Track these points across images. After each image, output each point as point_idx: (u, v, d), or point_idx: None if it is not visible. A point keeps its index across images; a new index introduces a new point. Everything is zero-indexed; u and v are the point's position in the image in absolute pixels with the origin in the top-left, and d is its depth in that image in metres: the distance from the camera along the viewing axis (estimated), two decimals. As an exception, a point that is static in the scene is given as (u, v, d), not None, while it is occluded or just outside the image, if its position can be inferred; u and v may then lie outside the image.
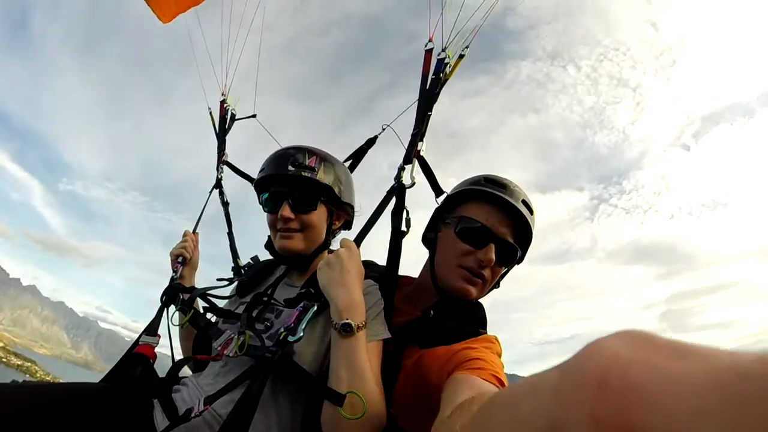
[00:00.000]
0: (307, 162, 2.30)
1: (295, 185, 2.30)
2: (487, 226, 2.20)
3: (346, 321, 1.88)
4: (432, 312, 2.26)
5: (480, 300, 2.34)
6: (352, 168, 2.97)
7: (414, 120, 2.69)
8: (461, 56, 2.79)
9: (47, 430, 1.81)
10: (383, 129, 2.88)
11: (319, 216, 2.34)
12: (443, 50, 2.75)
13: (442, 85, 2.74)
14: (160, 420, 2.05)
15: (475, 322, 2.25)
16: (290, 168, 2.27)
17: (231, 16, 3.88)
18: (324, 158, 2.37)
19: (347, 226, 2.58)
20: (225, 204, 3.37)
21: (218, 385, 2.04)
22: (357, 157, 3.02)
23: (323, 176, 2.30)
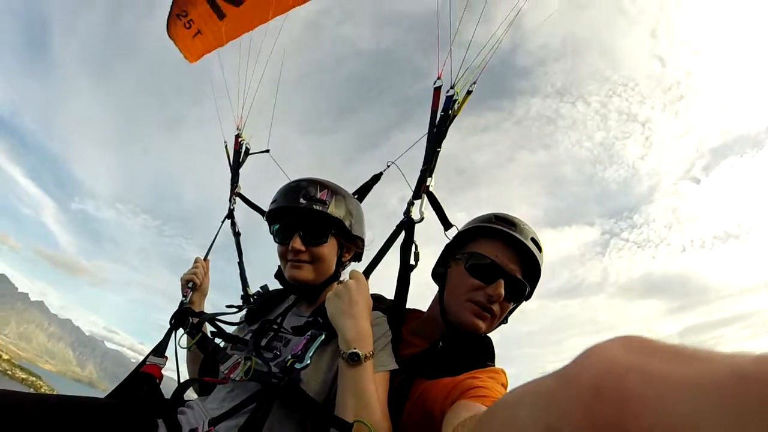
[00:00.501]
0: (318, 195, 2.34)
1: (306, 218, 2.36)
2: (497, 263, 2.27)
3: (354, 351, 1.91)
4: (441, 344, 2.31)
5: (489, 335, 2.41)
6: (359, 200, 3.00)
7: (422, 155, 2.77)
8: (469, 92, 2.89)
9: None
10: (388, 166, 2.95)
11: (329, 249, 2.39)
12: (452, 87, 2.84)
13: (451, 122, 2.81)
14: None
15: (483, 356, 2.29)
16: (302, 201, 2.32)
17: (249, 53, 4.07)
18: (335, 191, 2.42)
19: (357, 258, 2.62)
20: (236, 234, 3.48)
21: (223, 408, 2.09)
22: (363, 192, 3.03)
23: (334, 210, 2.35)
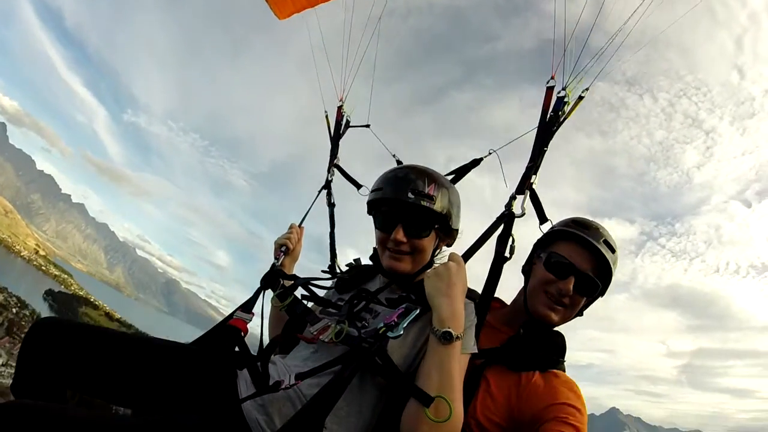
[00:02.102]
0: (426, 190, 2.35)
1: (413, 211, 2.39)
2: (570, 261, 2.61)
3: (448, 330, 2.00)
4: (521, 331, 2.64)
5: (563, 333, 2.74)
6: (454, 182, 3.11)
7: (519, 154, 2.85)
8: (581, 98, 2.89)
9: (145, 376, 2.16)
10: (489, 153, 3.10)
11: (429, 241, 2.46)
12: (563, 89, 2.86)
13: (560, 124, 2.88)
14: (244, 388, 2.22)
15: (556, 350, 2.62)
16: (410, 195, 2.34)
17: (352, 16, 3.99)
18: (441, 184, 2.44)
19: (449, 245, 2.69)
20: (331, 205, 3.65)
21: (307, 367, 2.18)
22: (459, 174, 3.18)
23: (440, 205, 2.38)
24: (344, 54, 3.85)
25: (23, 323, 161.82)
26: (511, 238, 2.65)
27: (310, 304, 2.62)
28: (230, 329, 2.52)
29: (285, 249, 3.04)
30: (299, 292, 2.70)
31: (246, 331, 2.54)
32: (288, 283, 2.74)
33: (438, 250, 2.59)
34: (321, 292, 2.78)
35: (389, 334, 2.04)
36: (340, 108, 3.94)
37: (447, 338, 1.98)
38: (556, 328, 2.72)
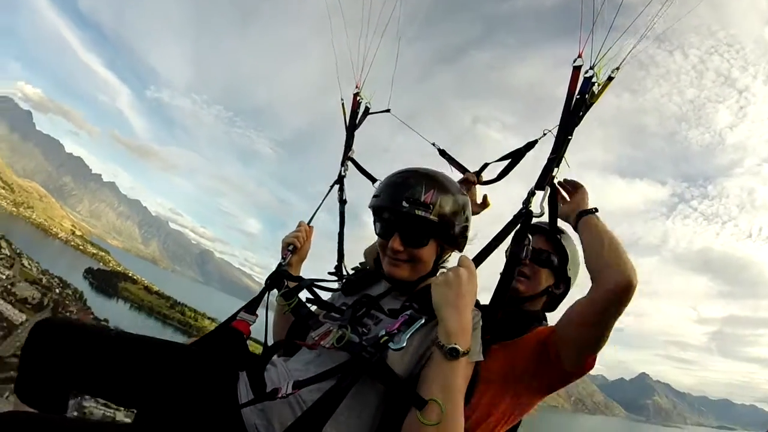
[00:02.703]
0: (423, 198, 2.20)
1: (408, 220, 2.24)
2: (533, 246, 2.74)
3: (454, 346, 1.88)
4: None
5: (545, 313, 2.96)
6: (508, 169, 3.08)
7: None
8: (610, 79, 2.59)
9: (143, 375, 2.14)
10: (544, 134, 2.81)
11: (428, 251, 2.31)
12: (591, 68, 2.57)
13: (587, 109, 2.59)
14: (244, 392, 2.16)
15: (534, 316, 2.87)
16: (404, 205, 2.19)
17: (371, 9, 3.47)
18: (443, 191, 2.26)
19: (460, 250, 2.50)
20: (342, 202, 3.39)
21: (308, 372, 2.10)
22: (515, 159, 3.07)
23: (438, 214, 2.21)
24: (362, 31, 3.45)
25: (67, 302, 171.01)
26: (527, 239, 2.45)
27: (314, 307, 2.58)
28: (232, 332, 2.50)
29: (292, 248, 2.92)
30: (304, 294, 2.63)
31: (248, 333, 2.53)
32: (293, 284, 2.68)
33: (447, 256, 2.45)
34: (326, 294, 2.73)
35: (391, 345, 1.95)
36: (356, 95, 3.65)
37: (453, 355, 1.88)
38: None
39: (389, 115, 3.61)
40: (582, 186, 2.84)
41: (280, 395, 1.96)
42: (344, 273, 3.08)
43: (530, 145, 2.98)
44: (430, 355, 2.02)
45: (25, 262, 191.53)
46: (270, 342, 2.58)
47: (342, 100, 3.63)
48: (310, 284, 2.66)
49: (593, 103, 2.60)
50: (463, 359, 1.91)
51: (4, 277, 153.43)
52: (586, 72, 2.57)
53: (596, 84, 2.59)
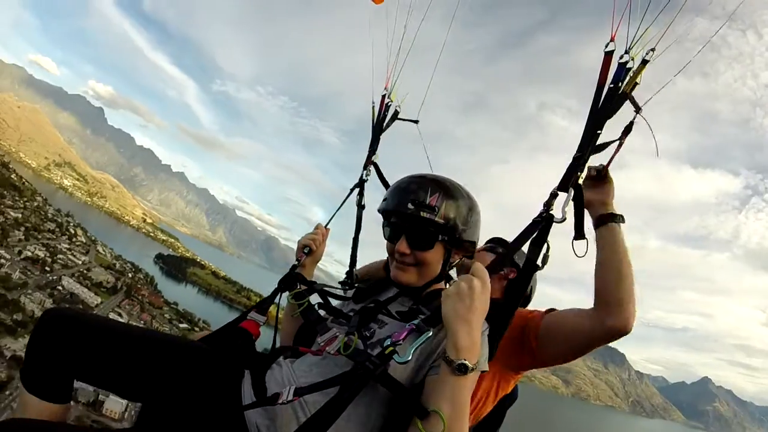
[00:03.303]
0: (428, 200, 2.21)
1: (414, 222, 2.26)
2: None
3: (463, 362, 1.82)
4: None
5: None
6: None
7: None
8: (645, 62, 2.26)
9: (150, 371, 2.17)
10: (637, 112, 2.35)
11: (434, 254, 2.29)
12: (626, 52, 2.27)
13: (621, 100, 2.29)
14: (247, 391, 2.17)
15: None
16: (410, 207, 2.22)
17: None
18: (448, 195, 2.26)
19: (468, 257, 2.46)
20: (360, 206, 3.30)
21: (311, 376, 2.10)
22: (622, 139, 2.51)
23: (444, 217, 2.21)
24: (394, 26, 3.21)
25: (139, 286, 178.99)
26: (545, 245, 2.27)
27: (323, 312, 2.56)
28: (241, 332, 2.51)
29: (308, 251, 2.91)
30: (315, 298, 2.62)
31: (257, 334, 2.53)
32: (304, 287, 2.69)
33: (454, 261, 2.41)
34: (336, 299, 2.70)
35: (395, 357, 1.91)
36: (384, 97, 3.42)
37: (462, 371, 1.82)
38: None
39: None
40: (611, 179, 2.59)
41: (280, 401, 1.96)
42: (355, 279, 2.97)
43: (627, 130, 2.43)
44: (434, 365, 2.00)
45: (100, 249, 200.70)
46: (278, 343, 2.59)
47: (373, 102, 3.45)
48: (321, 289, 2.65)
49: (626, 94, 2.30)
50: (470, 376, 1.87)
51: (80, 262, 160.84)
52: (621, 57, 2.30)
53: (631, 70, 2.30)
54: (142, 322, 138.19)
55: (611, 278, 2.37)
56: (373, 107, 3.43)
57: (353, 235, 3.20)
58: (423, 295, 2.33)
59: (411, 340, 1.95)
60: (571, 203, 2.28)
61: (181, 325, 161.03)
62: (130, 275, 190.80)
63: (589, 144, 2.28)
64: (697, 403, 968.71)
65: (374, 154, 3.35)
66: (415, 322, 2.02)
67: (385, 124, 3.40)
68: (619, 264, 2.38)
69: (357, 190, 3.29)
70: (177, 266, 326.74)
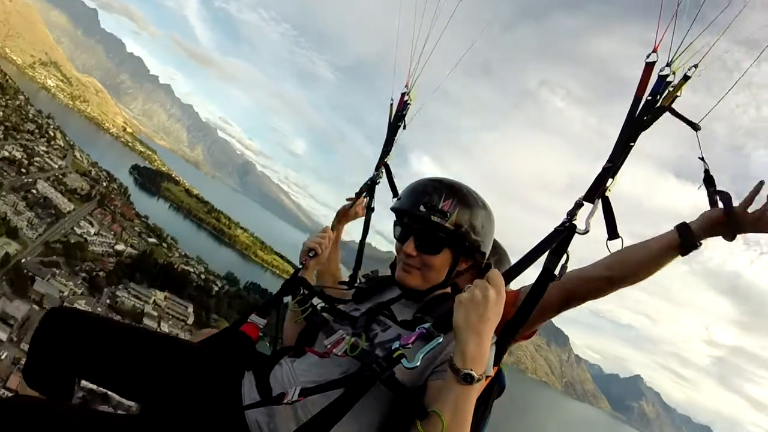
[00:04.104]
0: (440, 205, 2.21)
1: (424, 225, 2.26)
2: None
3: (470, 372, 1.79)
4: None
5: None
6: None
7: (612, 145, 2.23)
8: (686, 78, 2.19)
9: (147, 370, 2.20)
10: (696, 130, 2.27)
11: (441, 260, 2.30)
12: (667, 65, 2.18)
13: (658, 114, 2.21)
14: (248, 390, 2.19)
15: None
16: (422, 209, 2.23)
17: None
18: (462, 202, 2.26)
19: (477, 268, 2.44)
20: (370, 209, 3.28)
21: (311, 375, 2.14)
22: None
23: (455, 223, 2.21)
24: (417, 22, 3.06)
25: (113, 196, 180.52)
26: (565, 256, 2.14)
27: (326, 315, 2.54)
28: (241, 336, 2.50)
29: (313, 254, 2.86)
30: (317, 299, 2.60)
31: (257, 338, 2.51)
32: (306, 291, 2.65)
33: (460, 271, 2.39)
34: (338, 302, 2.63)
35: (404, 362, 1.86)
36: (403, 95, 3.33)
37: (467, 380, 1.79)
38: None
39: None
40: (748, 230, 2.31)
41: (286, 401, 1.97)
42: (357, 283, 2.92)
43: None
44: (438, 369, 2.02)
45: (77, 155, 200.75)
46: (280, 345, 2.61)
47: (392, 100, 3.37)
48: (321, 291, 2.65)
49: (664, 108, 2.22)
50: (476, 386, 1.83)
51: (56, 167, 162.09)
52: (662, 69, 2.20)
53: (671, 84, 2.20)
54: (112, 233, 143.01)
55: (624, 272, 2.46)
56: (391, 105, 3.37)
57: (360, 238, 3.26)
58: (426, 300, 2.33)
59: (420, 345, 1.92)
60: (599, 212, 2.18)
61: (150, 240, 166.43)
62: (104, 184, 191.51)
63: (620, 155, 2.20)
64: (625, 397, 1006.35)
65: (388, 154, 3.31)
66: (426, 326, 1.97)
67: (401, 124, 3.35)
68: (639, 272, 2.45)
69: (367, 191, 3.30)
70: (152, 179, 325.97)
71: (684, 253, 2.34)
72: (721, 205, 2.31)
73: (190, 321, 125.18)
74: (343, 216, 3.29)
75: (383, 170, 3.31)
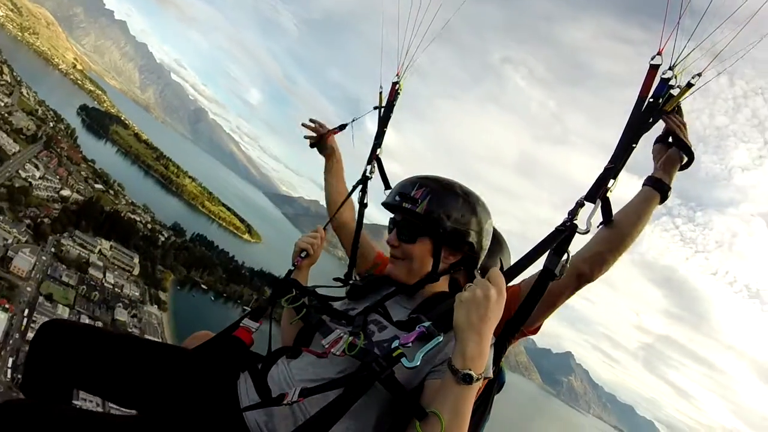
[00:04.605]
0: (412, 193, 2.30)
1: (399, 213, 2.37)
2: None
3: (469, 372, 1.78)
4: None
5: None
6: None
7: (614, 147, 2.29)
8: (689, 85, 2.24)
9: (139, 378, 2.24)
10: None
11: (420, 248, 2.32)
12: (670, 69, 2.22)
13: (658, 115, 2.30)
14: (244, 391, 2.22)
15: None
16: (396, 198, 2.34)
17: None
18: (435, 190, 2.31)
19: (469, 263, 2.43)
20: (363, 205, 3.21)
21: (309, 373, 2.16)
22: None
23: (425, 209, 2.27)
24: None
25: (59, 137, 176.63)
26: (566, 256, 2.16)
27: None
28: (234, 341, 2.50)
29: (305, 255, 2.87)
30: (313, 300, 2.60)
31: (251, 343, 2.51)
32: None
33: (449, 263, 2.39)
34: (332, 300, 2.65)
35: (404, 362, 1.87)
36: (395, 84, 3.27)
37: (466, 381, 1.77)
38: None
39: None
40: (692, 157, 2.53)
41: (286, 402, 1.97)
42: (352, 280, 2.92)
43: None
44: (436, 369, 2.02)
45: (24, 92, 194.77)
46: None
47: (381, 88, 3.29)
48: (314, 290, 2.65)
49: (666, 112, 2.32)
50: (476, 386, 1.82)
51: (2, 104, 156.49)
52: (664, 72, 2.25)
53: (672, 88, 2.27)
54: (57, 177, 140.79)
55: (619, 236, 2.50)
56: (381, 95, 3.29)
57: (354, 235, 3.16)
58: (423, 301, 2.32)
59: (419, 344, 1.91)
60: (598, 213, 2.23)
61: (96, 185, 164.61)
62: (51, 125, 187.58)
63: (622, 156, 2.24)
64: (555, 372, 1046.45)
65: (379, 147, 3.25)
66: (425, 325, 1.95)
67: (391, 113, 3.30)
68: (635, 231, 2.48)
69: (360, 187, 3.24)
70: (100, 122, 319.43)
71: (664, 200, 2.53)
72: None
73: (136, 272, 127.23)
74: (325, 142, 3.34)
75: (375, 164, 3.26)
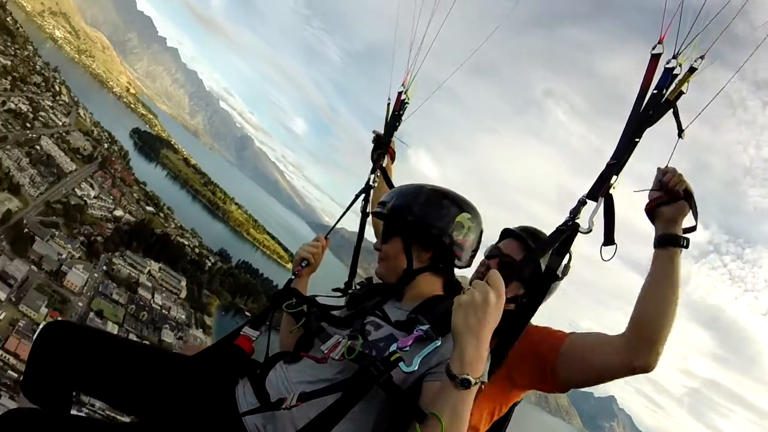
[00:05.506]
0: (386, 199, 2.43)
1: (380, 218, 2.48)
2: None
3: (466, 377, 1.76)
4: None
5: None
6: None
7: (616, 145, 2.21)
8: (692, 69, 2.12)
9: (139, 383, 2.25)
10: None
11: (393, 248, 2.37)
12: (674, 57, 2.12)
13: (664, 109, 2.16)
14: (242, 396, 2.22)
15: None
16: (377, 207, 2.47)
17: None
18: (403, 191, 2.43)
19: (446, 258, 2.38)
20: (365, 214, 3.18)
21: (307, 375, 2.16)
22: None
23: (390, 208, 2.38)
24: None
25: (114, 158, 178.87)
26: (568, 256, 2.14)
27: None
28: (235, 349, 2.49)
29: (306, 263, 2.88)
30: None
31: (251, 351, 2.50)
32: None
33: (425, 260, 2.36)
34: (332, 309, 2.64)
35: (402, 366, 1.86)
36: (400, 94, 3.25)
37: (464, 385, 1.76)
38: None
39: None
40: (692, 194, 2.30)
41: (284, 406, 1.96)
42: (352, 290, 2.89)
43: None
44: (432, 371, 1.99)
45: (81, 112, 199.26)
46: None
47: (389, 100, 3.31)
48: (313, 299, 2.65)
49: (670, 102, 2.16)
50: (474, 390, 1.80)
51: (60, 123, 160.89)
52: (667, 62, 2.15)
53: (677, 77, 2.15)
54: (111, 197, 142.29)
55: (652, 310, 2.27)
56: (389, 104, 3.30)
57: (355, 245, 3.16)
58: (423, 302, 2.30)
59: (417, 347, 1.91)
60: (601, 212, 2.15)
61: (148, 208, 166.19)
62: (106, 146, 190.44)
63: (625, 151, 2.16)
64: (597, 417, 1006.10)
65: (384, 156, 3.25)
66: (423, 328, 1.96)
67: (397, 124, 3.32)
68: (666, 297, 2.26)
69: (362, 196, 3.23)
70: (151, 145, 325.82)
71: (685, 247, 2.29)
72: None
73: (183, 295, 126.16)
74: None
75: (378, 173, 3.25)
